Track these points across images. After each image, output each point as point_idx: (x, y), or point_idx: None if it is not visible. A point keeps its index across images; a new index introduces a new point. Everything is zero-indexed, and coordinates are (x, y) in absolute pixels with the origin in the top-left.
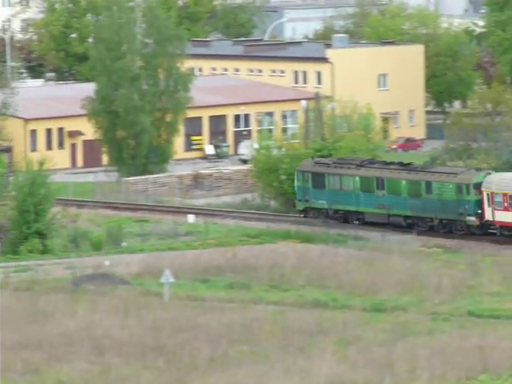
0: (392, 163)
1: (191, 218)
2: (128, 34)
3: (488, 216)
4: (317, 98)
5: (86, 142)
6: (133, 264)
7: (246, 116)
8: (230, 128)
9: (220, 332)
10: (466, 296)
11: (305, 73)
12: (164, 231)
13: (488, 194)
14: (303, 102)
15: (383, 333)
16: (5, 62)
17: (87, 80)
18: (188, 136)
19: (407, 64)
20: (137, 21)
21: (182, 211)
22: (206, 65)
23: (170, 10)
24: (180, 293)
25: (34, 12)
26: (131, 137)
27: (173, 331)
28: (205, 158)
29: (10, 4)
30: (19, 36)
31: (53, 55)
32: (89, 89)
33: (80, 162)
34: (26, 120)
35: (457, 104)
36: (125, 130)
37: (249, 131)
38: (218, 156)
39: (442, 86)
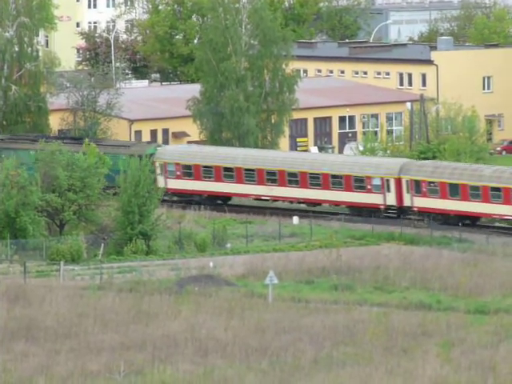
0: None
1: (296, 220)
2: (234, 36)
3: (161, 184)
4: (421, 100)
5: (191, 143)
6: (237, 265)
7: (351, 118)
8: (335, 130)
9: (324, 333)
10: None
11: (410, 75)
12: (268, 233)
13: (161, 165)
14: (408, 104)
15: (486, 335)
16: (110, 62)
17: (192, 81)
18: (293, 137)
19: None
20: (242, 22)
21: (287, 213)
22: (311, 66)
23: (275, 12)
24: (284, 294)
25: (139, 13)
26: (236, 138)
27: (277, 332)
28: None
29: (114, 5)
30: (124, 37)
31: (158, 56)
32: (193, 90)
33: None
34: (131, 121)
35: None
36: (230, 131)
37: (353, 133)
38: None
39: None
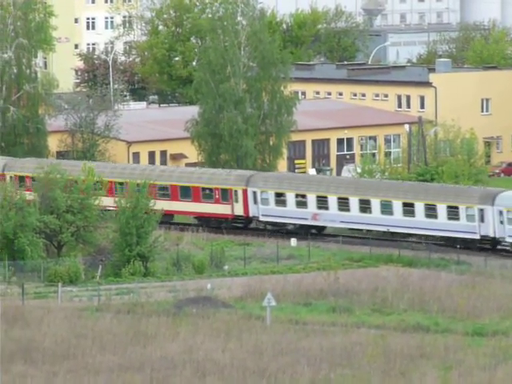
0: None
1: (294, 242)
2: (232, 58)
3: None
4: (420, 122)
5: (189, 165)
6: (235, 287)
7: (349, 140)
8: (333, 152)
9: (321, 356)
10: None
11: (408, 97)
12: (266, 255)
13: None
14: (406, 126)
15: (484, 357)
16: (108, 84)
17: (190, 103)
18: (291, 159)
19: (510, 88)
20: (241, 44)
21: (285, 235)
22: (310, 88)
23: (274, 34)
24: (282, 316)
25: (137, 35)
26: (235, 160)
27: (274, 355)
28: None
29: (113, 26)
30: (122, 58)
31: (156, 78)
32: (191, 112)
33: None
34: (129, 143)
35: None
36: (228, 153)
37: (352, 155)
38: None
39: None
